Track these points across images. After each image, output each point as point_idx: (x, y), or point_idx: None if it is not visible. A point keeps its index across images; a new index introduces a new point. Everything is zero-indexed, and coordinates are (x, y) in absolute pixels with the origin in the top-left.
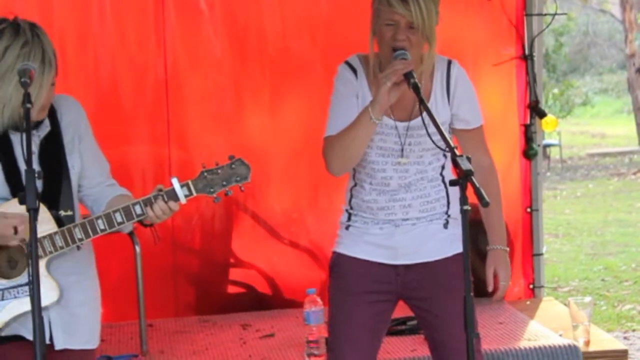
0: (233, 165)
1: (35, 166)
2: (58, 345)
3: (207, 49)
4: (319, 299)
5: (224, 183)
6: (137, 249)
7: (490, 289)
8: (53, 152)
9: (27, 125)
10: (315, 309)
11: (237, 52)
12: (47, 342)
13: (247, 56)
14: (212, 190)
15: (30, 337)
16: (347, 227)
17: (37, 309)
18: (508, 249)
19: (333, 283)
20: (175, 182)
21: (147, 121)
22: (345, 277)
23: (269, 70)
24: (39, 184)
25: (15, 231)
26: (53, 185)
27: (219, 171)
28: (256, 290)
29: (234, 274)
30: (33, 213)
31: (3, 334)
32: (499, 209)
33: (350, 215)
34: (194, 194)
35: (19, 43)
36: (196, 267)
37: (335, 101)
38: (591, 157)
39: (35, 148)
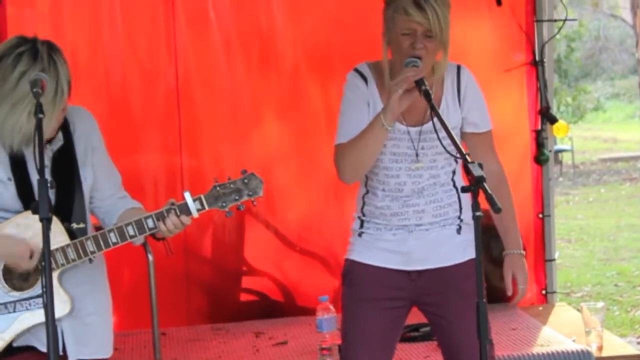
0: (245, 180)
1: (49, 179)
2: (72, 356)
3: (218, 57)
4: (331, 307)
5: (236, 197)
6: (150, 257)
7: (509, 293)
8: (66, 165)
9: (39, 135)
10: (328, 316)
11: (247, 61)
12: (60, 353)
13: (258, 64)
14: (224, 204)
15: (42, 348)
16: (359, 234)
17: (51, 320)
18: (524, 252)
19: (346, 290)
20: (188, 197)
21: (159, 129)
22: (359, 284)
23: (280, 79)
24: (52, 196)
25: (31, 256)
26: (66, 198)
27: (232, 185)
28: (269, 298)
29: (247, 282)
30: (46, 222)
31: (15, 344)
32: (513, 214)
33: (362, 222)
34: (206, 208)
35: (36, 70)
36: (209, 275)
37: (345, 108)
38: (603, 162)
39: (48, 161)
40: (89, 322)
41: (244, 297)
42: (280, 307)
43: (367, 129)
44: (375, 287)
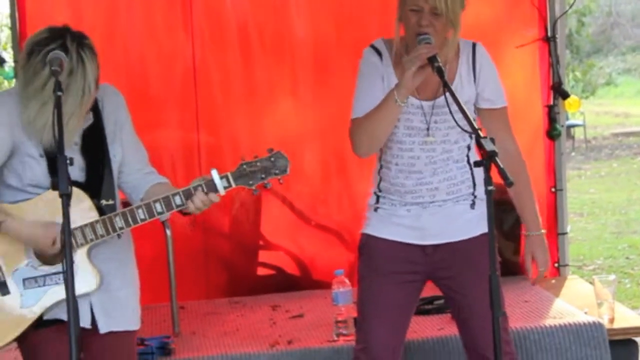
0: (272, 158)
1: (78, 157)
2: (102, 329)
3: (234, 36)
4: (347, 280)
5: (263, 176)
6: (168, 232)
7: (529, 274)
8: (95, 142)
9: (58, 113)
10: (344, 290)
11: (262, 39)
12: (90, 326)
13: (273, 43)
14: (250, 182)
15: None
16: (375, 209)
17: (71, 295)
18: (544, 231)
19: (362, 264)
20: (215, 174)
21: (177, 107)
22: (375, 258)
23: (295, 57)
24: (82, 174)
25: (53, 242)
26: (95, 175)
27: (258, 164)
28: (285, 272)
29: (263, 256)
30: (65, 198)
31: (45, 317)
32: (531, 195)
33: (378, 197)
34: (233, 185)
35: (64, 71)
36: (226, 250)
37: (361, 83)
38: (615, 136)
39: (78, 139)
40: (118, 296)
41: (261, 271)
42: (297, 281)
43: (381, 104)
44: (391, 261)
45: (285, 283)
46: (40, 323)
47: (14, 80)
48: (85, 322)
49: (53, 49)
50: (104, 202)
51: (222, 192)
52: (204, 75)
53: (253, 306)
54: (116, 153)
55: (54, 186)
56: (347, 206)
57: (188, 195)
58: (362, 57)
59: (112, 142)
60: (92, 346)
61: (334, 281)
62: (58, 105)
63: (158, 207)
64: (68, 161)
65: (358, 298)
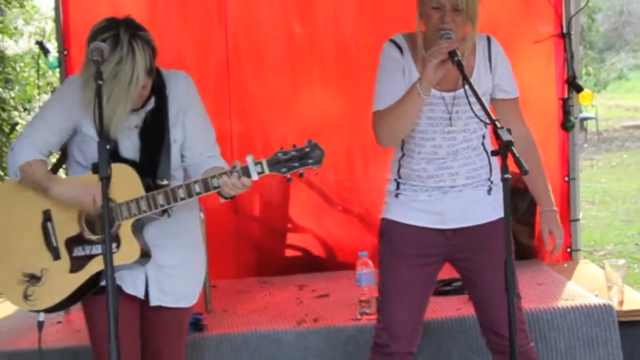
0: (307, 149)
1: (135, 138)
2: (152, 302)
3: (265, 30)
4: (370, 262)
5: (297, 165)
6: (202, 215)
7: (547, 247)
8: (156, 126)
9: (98, 101)
10: (367, 271)
11: (293, 32)
12: (143, 297)
13: (303, 36)
14: (284, 170)
15: (126, 289)
16: (396, 195)
17: (109, 267)
18: (557, 209)
19: (383, 248)
20: (250, 160)
21: (211, 97)
22: (395, 241)
23: (323, 50)
24: (137, 154)
25: (94, 201)
26: (152, 156)
27: (294, 153)
28: (311, 253)
29: (291, 238)
30: (105, 181)
31: (102, 284)
32: (543, 175)
33: (398, 184)
34: (266, 172)
35: (114, 59)
36: (256, 233)
37: (382, 77)
38: (626, 129)
39: (139, 122)
40: (173, 274)
41: (289, 252)
42: (322, 262)
43: (404, 97)
44: (411, 245)
45: (311, 264)
46: (98, 289)
47: (57, 70)
48: (139, 293)
49: (106, 39)
50: (158, 182)
51: (255, 177)
52: (237, 67)
53: (281, 286)
54: (177, 137)
55: (95, 169)
56: (370, 192)
57: (222, 178)
58: (382, 52)
59: (174, 126)
60: (147, 316)
61: (357, 263)
62: (98, 94)
63: (197, 187)
64: (108, 146)
65: (379, 280)
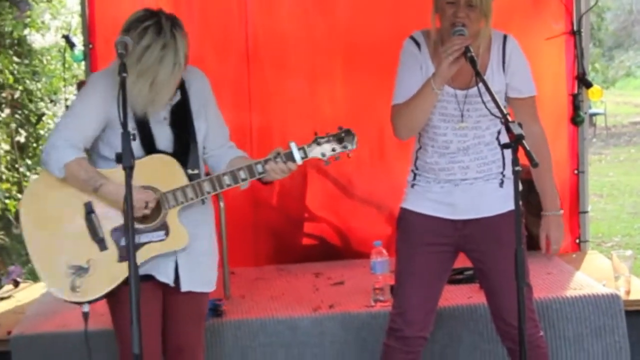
0: (342, 134)
1: (167, 130)
2: (184, 287)
3: (284, 27)
4: (384, 251)
5: (334, 149)
6: (222, 204)
7: (543, 251)
8: (182, 118)
9: (123, 93)
10: (381, 260)
11: (312, 28)
12: (173, 284)
13: (321, 32)
14: (323, 154)
15: (159, 277)
16: (412, 186)
17: (132, 257)
18: (561, 211)
19: (399, 236)
20: (293, 146)
21: (231, 91)
22: (410, 230)
23: (342, 46)
24: (170, 145)
25: (146, 205)
26: (182, 147)
27: (330, 138)
28: (328, 242)
29: (308, 227)
30: (129, 170)
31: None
32: (551, 176)
33: (415, 175)
34: (309, 156)
35: (158, 45)
36: (274, 222)
37: (401, 72)
38: (633, 125)
39: (167, 114)
40: (200, 260)
41: (306, 241)
42: (338, 251)
43: (419, 91)
44: (425, 234)
45: (327, 252)
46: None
47: (82, 63)
48: (169, 279)
49: (149, 26)
50: (189, 171)
51: (299, 162)
52: (257, 63)
53: (298, 273)
54: (201, 128)
55: (119, 159)
56: (385, 183)
57: (268, 163)
58: (402, 48)
59: (197, 118)
60: (170, 301)
61: (372, 251)
62: (123, 86)
63: (242, 174)
64: (132, 137)
65: (395, 267)
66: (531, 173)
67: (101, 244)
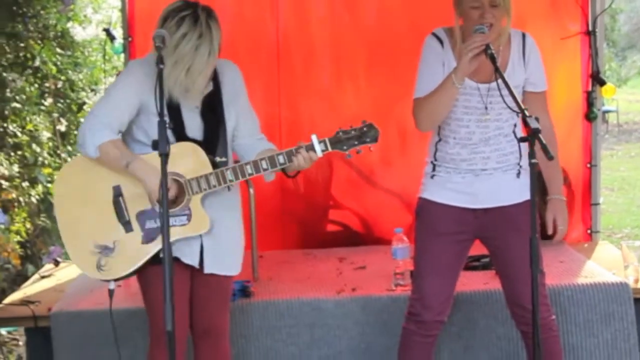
0: (364, 128)
1: (198, 119)
2: (207, 270)
3: (313, 24)
4: (405, 237)
5: (356, 142)
6: (251, 191)
7: (550, 232)
8: (213, 107)
9: (160, 84)
10: (402, 246)
11: (336, 27)
12: (197, 266)
13: (348, 29)
14: (345, 147)
15: (184, 259)
16: (432, 177)
17: (166, 241)
18: (565, 198)
19: (419, 224)
20: (314, 139)
21: (261, 85)
22: (430, 219)
23: (367, 42)
24: (200, 133)
25: (168, 190)
26: (212, 135)
27: (352, 132)
28: (351, 228)
29: (333, 214)
30: (164, 157)
31: (162, 255)
32: (557, 165)
33: (434, 166)
34: (329, 149)
35: (195, 34)
36: (301, 208)
37: (423, 67)
38: None
39: (199, 104)
40: (225, 244)
41: (330, 227)
42: (361, 237)
43: (440, 85)
44: (444, 222)
45: (350, 238)
46: (156, 260)
47: (122, 55)
48: (194, 262)
49: (186, 16)
50: (218, 158)
51: (320, 154)
52: (287, 58)
53: (322, 257)
54: (231, 118)
55: (155, 146)
56: (407, 173)
57: (290, 155)
58: (424, 44)
59: (228, 109)
60: (196, 283)
61: (393, 238)
62: (160, 77)
63: (264, 164)
64: (167, 125)
65: (415, 253)
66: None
67: (127, 226)
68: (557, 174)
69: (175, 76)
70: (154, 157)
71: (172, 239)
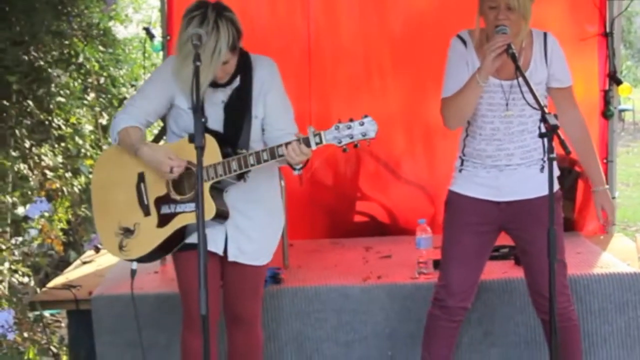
0: (362, 123)
1: (220, 112)
2: (230, 258)
3: (342, 23)
4: (428, 228)
5: (351, 137)
6: (282, 183)
7: (601, 222)
8: (240, 102)
9: (195, 81)
10: (425, 236)
11: (364, 27)
12: (222, 254)
13: (376, 29)
14: (340, 141)
15: (210, 247)
16: (460, 171)
17: (201, 227)
18: (608, 186)
19: (447, 216)
20: (310, 131)
21: (293, 81)
22: (458, 211)
23: (391, 42)
24: (221, 126)
25: (171, 171)
26: (234, 128)
27: (350, 126)
28: (377, 219)
29: (360, 206)
30: (200, 150)
31: (188, 241)
32: (595, 156)
33: (463, 161)
34: (324, 142)
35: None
36: (329, 200)
37: (449, 68)
38: None
39: (225, 98)
40: (249, 235)
41: (357, 218)
42: (386, 227)
43: (465, 85)
44: (471, 214)
45: (376, 229)
46: (188, 246)
47: (161, 52)
48: (218, 249)
49: (195, 16)
50: (238, 150)
51: (313, 147)
52: (317, 54)
53: (349, 247)
54: (258, 113)
55: (191, 139)
56: (430, 167)
57: (287, 146)
58: (450, 46)
59: (256, 104)
60: (227, 270)
61: (417, 229)
62: (196, 74)
63: (264, 155)
64: (203, 119)
65: (442, 243)
66: (563, 160)
67: (146, 210)
68: (596, 164)
69: (186, 72)
70: (178, 145)
71: (182, 224)
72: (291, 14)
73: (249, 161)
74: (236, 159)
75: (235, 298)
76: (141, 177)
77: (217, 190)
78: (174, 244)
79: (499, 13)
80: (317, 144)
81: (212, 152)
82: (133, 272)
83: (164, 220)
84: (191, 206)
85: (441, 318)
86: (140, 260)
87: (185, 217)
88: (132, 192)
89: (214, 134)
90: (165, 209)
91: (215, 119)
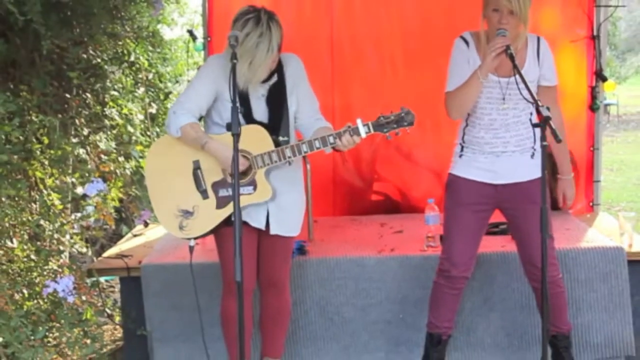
0: (402, 114)
1: (263, 105)
2: (272, 231)
3: (361, 23)
4: (436, 207)
5: (395, 126)
6: (308, 167)
7: (560, 205)
8: (278, 95)
9: (233, 77)
10: (433, 214)
11: (381, 26)
12: (264, 228)
13: (389, 29)
14: (385, 130)
15: (252, 223)
16: (460, 156)
17: (237, 210)
18: (572, 174)
19: (448, 196)
20: (359, 122)
21: (317, 75)
22: (457, 192)
23: (404, 41)
24: (265, 117)
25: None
26: (276, 118)
27: (392, 117)
28: (391, 198)
29: (376, 186)
30: (236, 137)
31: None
32: (566, 149)
33: (462, 147)
34: (372, 131)
35: (256, 33)
36: (350, 181)
37: (452, 65)
38: None
39: (265, 92)
40: (287, 209)
41: (374, 197)
42: (399, 206)
43: (467, 80)
44: (470, 195)
45: (390, 207)
46: (229, 222)
47: (202, 52)
48: (261, 225)
49: (250, 18)
50: (280, 137)
51: (363, 135)
52: (339, 52)
53: (367, 223)
54: (292, 103)
55: (228, 128)
56: (439, 152)
57: (338, 136)
58: (453, 46)
59: (290, 95)
60: (263, 242)
61: (426, 207)
62: (233, 71)
63: (317, 143)
64: (239, 110)
65: (444, 220)
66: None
67: (204, 194)
68: (566, 157)
69: (239, 68)
70: (227, 137)
71: (241, 205)
72: (316, 15)
73: (302, 149)
74: (290, 147)
75: (270, 267)
76: (197, 164)
77: (268, 174)
78: (230, 223)
79: (502, 17)
80: (366, 132)
81: (265, 140)
82: (191, 248)
83: (222, 203)
84: (249, 189)
85: (445, 286)
86: (198, 237)
87: (244, 198)
88: (188, 178)
89: (261, 124)
90: (223, 192)
91: (260, 111)
